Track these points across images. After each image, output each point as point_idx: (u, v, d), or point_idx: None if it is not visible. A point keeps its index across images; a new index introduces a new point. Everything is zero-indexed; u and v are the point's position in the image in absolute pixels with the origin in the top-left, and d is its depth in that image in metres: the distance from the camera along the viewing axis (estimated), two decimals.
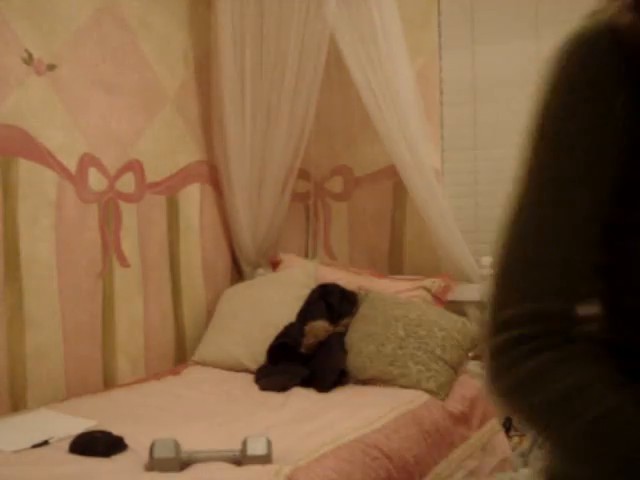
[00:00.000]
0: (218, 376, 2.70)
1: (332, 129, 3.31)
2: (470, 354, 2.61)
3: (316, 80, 3.03)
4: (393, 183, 3.17)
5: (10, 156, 2.34)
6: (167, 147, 3.02)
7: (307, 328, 2.67)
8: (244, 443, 1.77)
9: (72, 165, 2.56)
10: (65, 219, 2.52)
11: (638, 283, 0.72)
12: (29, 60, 2.40)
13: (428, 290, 2.82)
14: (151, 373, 2.82)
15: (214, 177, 3.26)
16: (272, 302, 2.90)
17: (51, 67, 2.48)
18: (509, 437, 2.78)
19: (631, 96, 0.70)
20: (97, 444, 1.83)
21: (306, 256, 3.37)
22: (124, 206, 2.79)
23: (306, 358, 2.62)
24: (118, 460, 1.80)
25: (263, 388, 2.53)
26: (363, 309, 2.68)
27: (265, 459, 1.74)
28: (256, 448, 1.75)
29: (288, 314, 2.81)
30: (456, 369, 2.48)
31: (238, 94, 3.12)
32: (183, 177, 3.10)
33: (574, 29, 0.72)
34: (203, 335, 2.99)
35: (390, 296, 2.72)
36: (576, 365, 0.69)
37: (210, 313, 3.11)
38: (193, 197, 3.16)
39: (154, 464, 1.70)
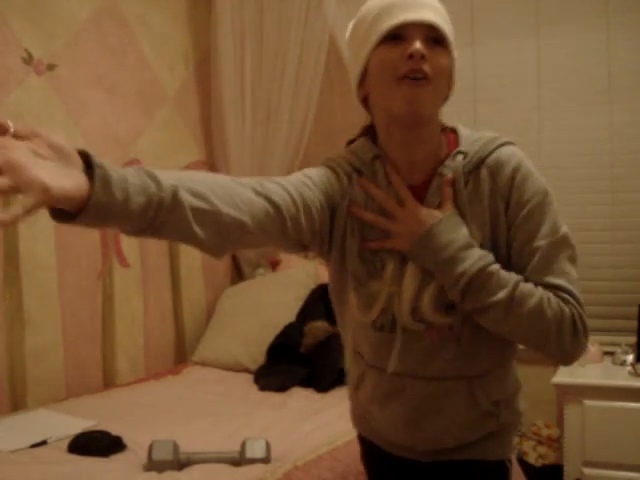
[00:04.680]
0: (217, 376, 2.71)
1: (332, 129, 3.30)
2: None
3: (316, 80, 3.03)
4: None
5: None
6: (167, 147, 3.02)
7: (306, 328, 2.66)
8: (243, 445, 1.77)
9: None
10: None
11: None
12: (29, 60, 2.41)
13: None
14: (151, 373, 2.83)
15: None
16: (272, 302, 2.90)
17: (51, 67, 2.48)
18: None
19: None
20: (95, 444, 1.83)
21: (306, 256, 3.37)
22: None
23: (305, 358, 2.62)
24: (117, 460, 1.80)
25: (262, 388, 2.53)
26: None
27: (263, 461, 1.74)
28: (255, 450, 1.75)
29: (288, 314, 2.81)
30: None
31: (238, 94, 3.12)
32: None
33: None
34: (203, 335, 2.99)
35: None
36: None
37: (210, 313, 3.12)
38: None
39: (152, 466, 1.70)
